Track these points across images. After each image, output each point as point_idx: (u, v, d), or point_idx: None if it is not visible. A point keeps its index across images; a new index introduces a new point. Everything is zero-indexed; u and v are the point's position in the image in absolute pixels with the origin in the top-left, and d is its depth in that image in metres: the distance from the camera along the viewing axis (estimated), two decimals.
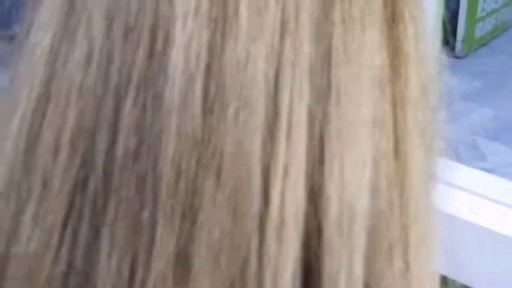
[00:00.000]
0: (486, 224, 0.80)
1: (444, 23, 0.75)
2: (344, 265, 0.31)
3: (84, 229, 0.31)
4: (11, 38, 1.42)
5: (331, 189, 0.31)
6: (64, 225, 0.31)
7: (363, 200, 0.32)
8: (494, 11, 1.19)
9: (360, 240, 0.32)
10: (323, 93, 0.31)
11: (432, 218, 0.35)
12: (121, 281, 0.30)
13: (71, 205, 0.31)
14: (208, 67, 0.30)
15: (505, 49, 1.18)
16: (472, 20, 1.14)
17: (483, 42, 1.18)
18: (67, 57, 0.31)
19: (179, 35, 0.30)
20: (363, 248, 0.32)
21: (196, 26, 0.30)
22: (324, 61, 0.31)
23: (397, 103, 0.33)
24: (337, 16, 0.31)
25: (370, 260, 0.32)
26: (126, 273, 0.30)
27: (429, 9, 0.36)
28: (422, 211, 0.34)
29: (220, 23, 0.30)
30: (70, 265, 0.31)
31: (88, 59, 0.31)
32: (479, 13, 1.15)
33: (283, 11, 0.31)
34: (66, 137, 0.31)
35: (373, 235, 0.32)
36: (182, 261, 0.30)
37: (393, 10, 0.33)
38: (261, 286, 0.30)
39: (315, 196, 0.31)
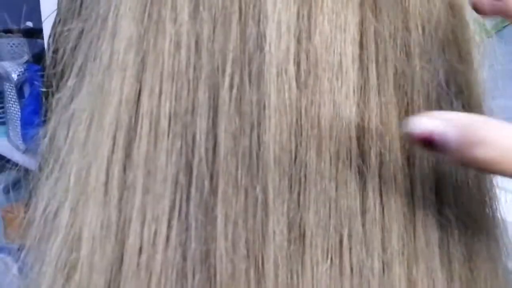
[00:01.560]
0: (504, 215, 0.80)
1: None
2: (431, 210, 0.33)
3: (194, 212, 0.31)
4: (24, 33, 1.43)
5: None
6: (171, 211, 0.31)
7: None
8: None
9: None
10: (404, 53, 0.33)
11: None
12: (239, 257, 0.31)
13: (176, 190, 0.31)
14: (299, 41, 0.31)
15: None
16: None
17: (493, 32, 1.18)
18: (155, 44, 0.31)
19: (271, 13, 0.31)
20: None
21: (284, 2, 0.31)
22: (402, 24, 0.33)
23: (458, 58, 0.35)
24: None
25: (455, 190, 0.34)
26: (243, 250, 0.31)
27: None
28: None
29: None
30: (184, 249, 0.31)
31: (177, 45, 0.31)
32: None
33: None
34: (164, 124, 0.31)
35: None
36: (295, 232, 0.31)
37: None
38: (369, 249, 0.31)
39: (408, 154, 0.32)
